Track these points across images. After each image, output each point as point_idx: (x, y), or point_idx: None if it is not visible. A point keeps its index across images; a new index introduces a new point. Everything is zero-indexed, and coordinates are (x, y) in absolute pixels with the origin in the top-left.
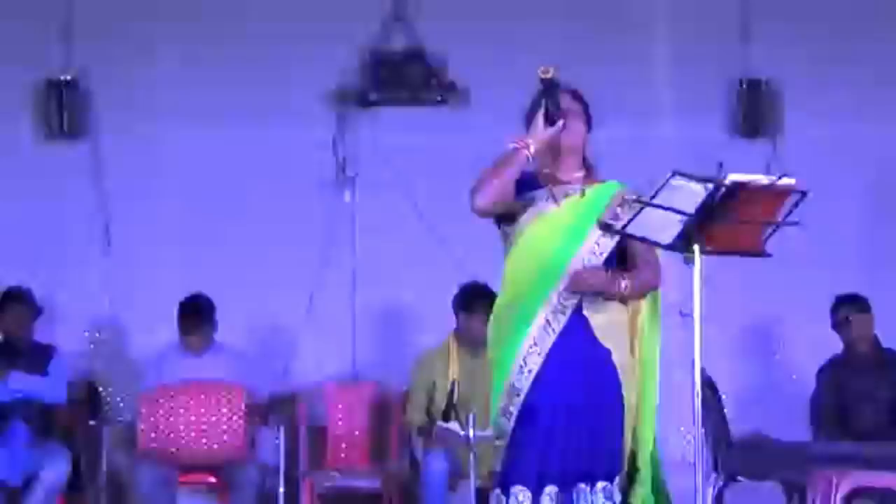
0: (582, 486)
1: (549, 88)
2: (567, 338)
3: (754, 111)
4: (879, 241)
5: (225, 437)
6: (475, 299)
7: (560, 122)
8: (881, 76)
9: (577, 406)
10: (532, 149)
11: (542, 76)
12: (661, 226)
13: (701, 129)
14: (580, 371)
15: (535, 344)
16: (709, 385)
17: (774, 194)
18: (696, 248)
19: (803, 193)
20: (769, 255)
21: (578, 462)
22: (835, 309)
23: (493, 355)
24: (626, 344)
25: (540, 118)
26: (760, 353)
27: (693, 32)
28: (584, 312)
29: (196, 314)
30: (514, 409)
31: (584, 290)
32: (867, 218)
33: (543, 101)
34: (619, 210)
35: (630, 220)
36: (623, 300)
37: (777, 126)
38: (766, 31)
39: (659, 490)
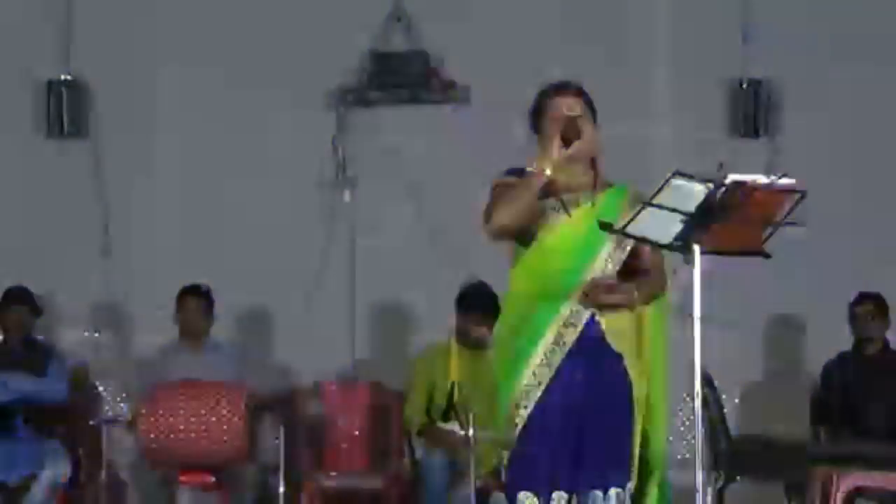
0: (596, 492)
1: (571, 121)
2: (578, 347)
3: (754, 111)
4: (878, 241)
5: (225, 438)
6: (472, 300)
7: (576, 143)
8: (881, 76)
9: (588, 411)
10: (549, 170)
11: (569, 114)
12: (661, 226)
13: (701, 129)
14: (592, 376)
15: (546, 356)
16: (709, 385)
17: (774, 194)
18: (696, 248)
19: (803, 193)
20: (769, 256)
21: (591, 468)
22: (853, 304)
23: (502, 366)
24: (633, 347)
25: (555, 141)
26: (761, 353)
27: (693, 32)
28: (597, 318)
29: (195, 294)
30: (521, 419)
31: (599, 305)
32: (866, 218)
33: (562, 129)
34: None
35: (630, 220)
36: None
37: (777, 126)
38: (766, 31)
39: (662, 491)
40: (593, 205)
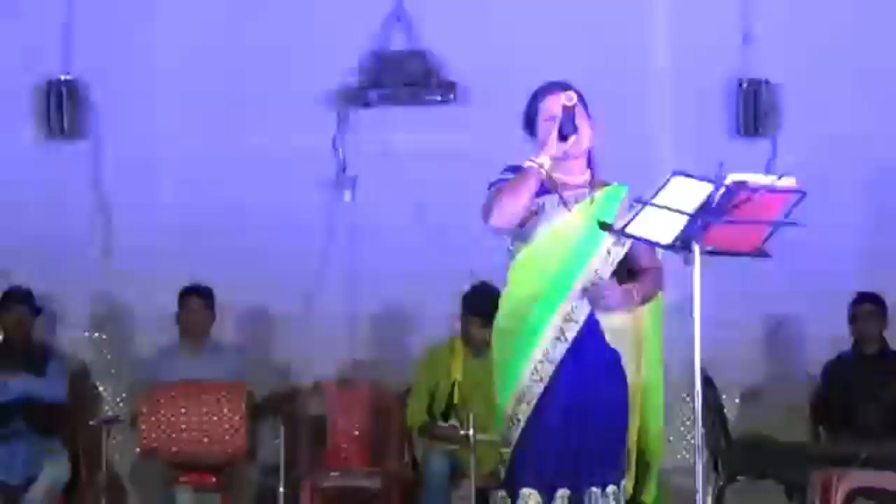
0: (594, 489)
1: (568, 113)
2: (578, 343)
3: (754, 111)
4: (879, 241)
5: (225, 437)
6: (475, 301)
7: (573, 138)
8: (881, 76)
9: (588, 409)
10: (546, 166)
11: (567, 104)
12: (661, 226)
13: (701, 129)
14: (591, 374)
15: (547, 352)
16: (709, 385)
17: (774, 194)
18: (696, 248)
19: (803, 193)
20: (769, 256)
21: (590, 465)
22: (852, 304)
23: (501, 364)
24: (630, 346)
25: (553, 136)
26: (761, 353)
27: (693, 32)
28: (596, 316)
29: (197, 294)
30: (523, 416)
31: (603, 308)
32: (866, 218)
33: (558, 122)
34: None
35: (630, 220)
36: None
37: (777, 126)
38: (766, 31)
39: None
40: (592, 201)
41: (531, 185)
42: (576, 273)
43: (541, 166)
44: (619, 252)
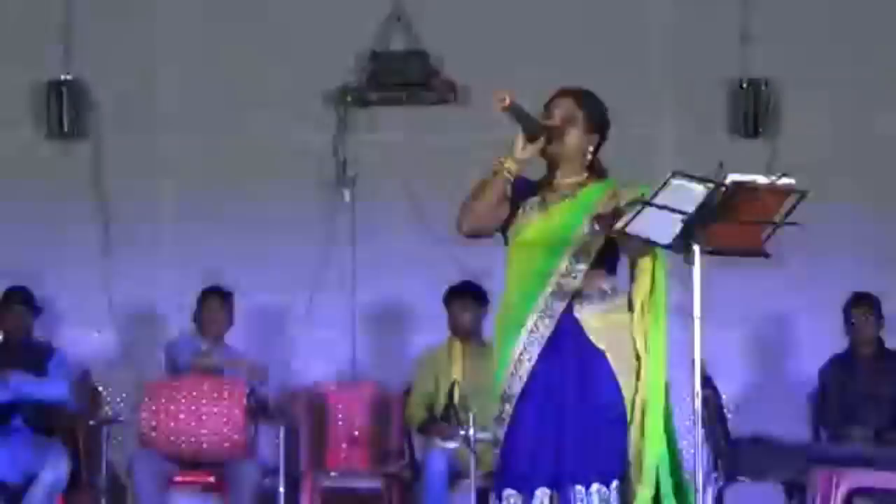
0: (578, 488)
1: (514, 112)
2: (558, 341)
3: (754, 111)
4: (878, 241)
5: (224, 430)
6: (452, 296)
7: (541, 139)
8: (881, 76)
9: (567, 408)
10: (513, 169)
11: (500, 105)
12: (661, 226)
13: (701, 129)
14: (571, 373)
15: (525, 350)
16: (709, 385)
17: (774, 194)
18: (696, 248)
19: (803, 193)
20: (769, 256)
21: (572, 464)
22: (848, 305)
23: (496, 363)
24: (626, 345)
25: (518, 138)
26: (760, 353)
27: (693, 32)
28: (576, 314)
29: (218, 295)
30: (506, 416)
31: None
32: (866, 218)
33: (521, 123)
34: (602, 208)
35: (630, 220)
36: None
37: (777, 126)
38: (766, 31)
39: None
40: (573, 198)
41: (495, 187)
42: (550, 270)
43: (505, 170)
44: (598, 243)
